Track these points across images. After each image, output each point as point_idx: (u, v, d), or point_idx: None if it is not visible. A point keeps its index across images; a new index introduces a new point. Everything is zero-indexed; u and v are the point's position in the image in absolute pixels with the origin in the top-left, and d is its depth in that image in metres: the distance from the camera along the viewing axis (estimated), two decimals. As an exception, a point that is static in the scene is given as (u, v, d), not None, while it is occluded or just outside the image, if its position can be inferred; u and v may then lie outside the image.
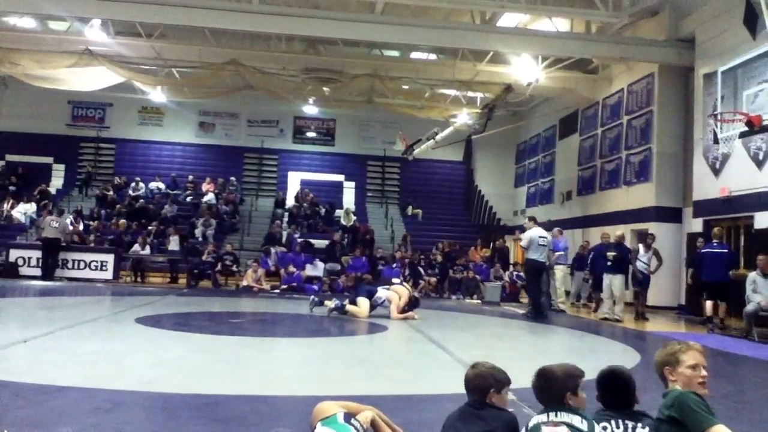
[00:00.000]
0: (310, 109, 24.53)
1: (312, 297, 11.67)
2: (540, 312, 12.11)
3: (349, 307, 10.71)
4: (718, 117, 13.23)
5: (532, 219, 12.99)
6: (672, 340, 3.50)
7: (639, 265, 13.25)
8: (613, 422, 2.92)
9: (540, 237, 12.18)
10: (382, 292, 11.04)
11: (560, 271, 14.48)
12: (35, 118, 25.00)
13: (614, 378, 3.12)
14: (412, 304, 10.97)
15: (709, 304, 11.61)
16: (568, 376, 3.04)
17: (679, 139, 16.29)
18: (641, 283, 13.33)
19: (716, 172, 13.98)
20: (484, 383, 3.04)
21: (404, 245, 20.19)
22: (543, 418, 2.89)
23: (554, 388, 3.00)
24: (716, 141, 13.33)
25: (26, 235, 19.29)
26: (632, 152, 17.43)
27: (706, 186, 14.31)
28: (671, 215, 16.08)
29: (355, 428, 2.82)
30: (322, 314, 10.71)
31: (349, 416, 2.91)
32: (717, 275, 11.54)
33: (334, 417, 2.85)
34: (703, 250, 12.14)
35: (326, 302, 10.99)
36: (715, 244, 11.97)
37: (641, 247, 13.48)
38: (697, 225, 14.78)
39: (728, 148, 13.34)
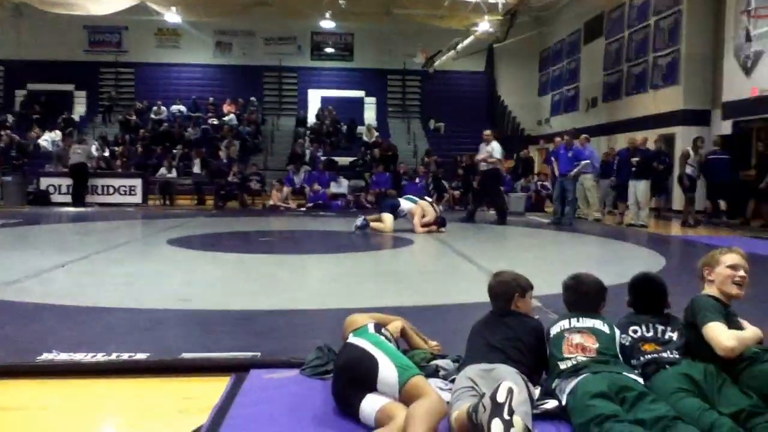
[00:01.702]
0: (328, 24, 23.97)
1: (361, 219, 10.98)
2: (471, 217, 12.95)
3: (373, 224, 10.82)
4: (752, 12, 12.72)
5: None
6: (694, 244, 3.52)
7: (688, 169, 12.85)
8: (643, 326, 2.98)
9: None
10: (404, 204, 11.09)
11: (588, 180, 14.01)
12: (53, 45, 24.81)
13: (647, 283, 3.17)
14: (438, 223, 10.98)
15: (723, 204, 13.15)
16: (600, 287, 3.13)
17: (708, 38, 15.72)
18: (690, 188, 12.94)
19: (747, 71, 13.55)
20: (508, 289, 3.10)
21: (427, 162, 20.07)
22: (565, 324, 2.96)
23: (588, 294, 3.07)
24: (749, 38, 12.89)
25: (53, 163, 19.56)
26: (660, 54, 16.90)
27: (736, 86, 13.91)
28: (699, 118, 15.72)
29: (386, 338, 2.91)
30: (348, 230, 10.85)
31: (379, 326, 3.00)
32: (724, 178, 12.72)
33: (365, 328, 2.94)
34: (709, 157, 12.90)
35: (372, 224, 10.82)
36: (718, 151, 12.88)
37: (690, 150, 12.97)
38: (726, 127, 14.48)
39: (762, 45, 12.87)
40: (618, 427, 2.29)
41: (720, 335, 2.72)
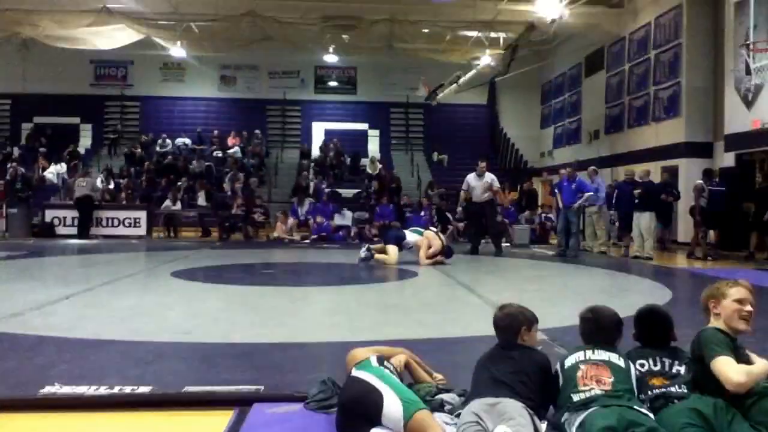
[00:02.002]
0: (331, 58, 24.26)
1: (364, 249, 11.02)
2: (475, 250, 13.01)
3: (378, 255, 10.79)
4: (751, 46, 12.83)
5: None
6: (701, 276, 3.50)
7: (702, 201, 12.80)
8: (650, 360, 2.94)
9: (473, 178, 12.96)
10: (410, 237, 11.07)
11: (595, 213, 13.93)
12: (59, 79, 25.09)
13: (652, 315, 3.14)
14: (445, 253, 10.95)
15: (712, 233, 13.37)
16: (618, 320, 3.10)
17: (709, 71, 15.86)
18: (704, 221, 12.87)
19: (748, 104, 13.63)
20: (515, 322, 3.07)
21: (432, 193, 20.10)
22: (581, 356, 2.92)
23: (606, 327, 3.05)
24: (748, 72, 12.99)
25: (59, 195, 19.64)
26: (661, 87, 17.03)
27: (737, 119, 13.98)
28: (701, 150, 15.79)
29: (389, 370, 2.89)
30: (352, 262, 10.83)
31: (382, 359, 2.97)
32: (719, 208, 12.87)
33: (368, 361, 2.92)
34: (709, 188, 12.96)
35: (376, 255, 10.84)
36: (716, 181, 13.04)
37: (703, 183, 12.91)
38: (728, 159, 14.51)
39: (761, 79, 12.96)
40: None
41: (729, 370, 2.68)
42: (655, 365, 2.92)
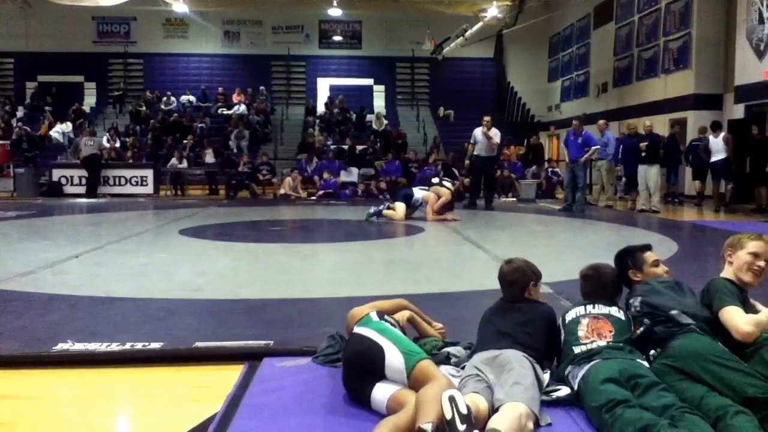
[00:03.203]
0: (335, 12, 23.90)
1: (375, 209, 10.94)
2: (473, 204, 13.19)
3: (385, 212, 10.82)
4: (764, -5, 12.57)
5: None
6: (708, 229, 3.51)
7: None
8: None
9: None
10: (418, 194, 11.06)
11: (603, 166, 13.79)
12: (62, 37, 24.89)
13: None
14: (456, 198, 10.82)
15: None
16: (617, 276, 3.14)
17: (720, 22, 15.56)
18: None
19: (760, 54, 13.40)
20: (524, 277, 3.09)
21: (435, 148, 20.03)
22: (581, 310, 2.95)
23: (607, 284, 3.08)
24: (761, 21, 12.73)
25: (66, 155, 19.66)
26: (671, 38, 16.74)
27: (748, 70, 13.77)
28: (711, 102, 15.59)
29: (390, 323, 2.91)
30: (359, 219, 10.86)
31: (381, 314, 2.98)
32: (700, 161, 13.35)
33: (368, 317, 2.93)
34: (693, 143, 13.76)
35: (384, 212, 10.85)
36: (701, 137, 13.53)
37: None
38: (738, 111, 14.34)
39: (774, 29, 12.73)
40: (629, 413, 2.29)
41: (737, 319, 2.70)
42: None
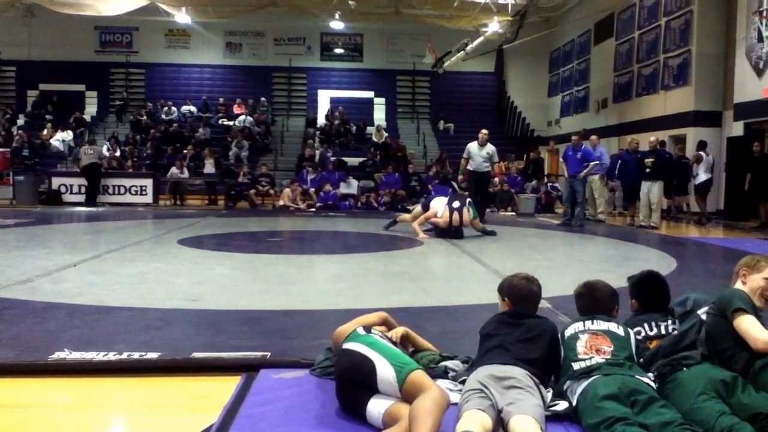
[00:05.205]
0: (337, 25, 24.01)
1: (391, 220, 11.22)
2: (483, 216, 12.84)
3: (399, 217, 11.09)
4: (764, 13, 12.64)
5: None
6: (707, 246, 3.50)
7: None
8: (645, 325, 3.01)
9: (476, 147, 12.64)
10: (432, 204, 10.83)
11: (596, 181, 13.83)
12: (64, 45, 25.00)
13: (648, 280, 3.18)
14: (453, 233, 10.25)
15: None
16: (613, 292, 3.14)
17: (719, 39, 15.64)
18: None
19: (759, 72, 13.47)
20: (539, 294, 3.16)
21: (440, 162, 19.99)
22: (580, 326, 2.94)
23: (601, 300, 3.08)
24: (760, 39, 12.81)
25: (65, 163, 19.68)
26: (670, 55, 16.83)
27: (748, 87, 13.83)
28: (710, 119, 15.64)
29: (378, 335, 2.89)
30: (358, 231, 10.84)
31: (368, 328, 2.97)
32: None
33: (355, 332, 2.90)
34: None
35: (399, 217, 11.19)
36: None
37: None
38: (737, 128, 14.39)
39: (773, 47, 12.79)
40: (628, 431, 2.28)
41: (756, 329, 2.64)
42: (651, 330, 2.96)
